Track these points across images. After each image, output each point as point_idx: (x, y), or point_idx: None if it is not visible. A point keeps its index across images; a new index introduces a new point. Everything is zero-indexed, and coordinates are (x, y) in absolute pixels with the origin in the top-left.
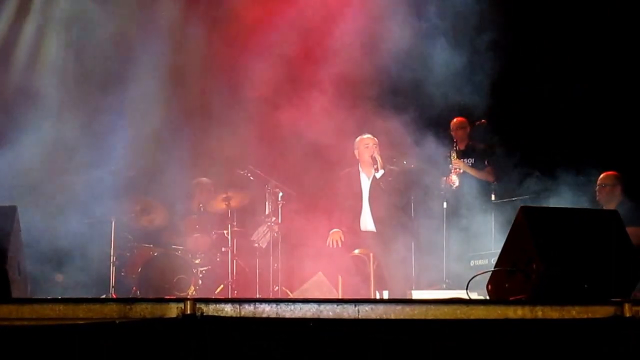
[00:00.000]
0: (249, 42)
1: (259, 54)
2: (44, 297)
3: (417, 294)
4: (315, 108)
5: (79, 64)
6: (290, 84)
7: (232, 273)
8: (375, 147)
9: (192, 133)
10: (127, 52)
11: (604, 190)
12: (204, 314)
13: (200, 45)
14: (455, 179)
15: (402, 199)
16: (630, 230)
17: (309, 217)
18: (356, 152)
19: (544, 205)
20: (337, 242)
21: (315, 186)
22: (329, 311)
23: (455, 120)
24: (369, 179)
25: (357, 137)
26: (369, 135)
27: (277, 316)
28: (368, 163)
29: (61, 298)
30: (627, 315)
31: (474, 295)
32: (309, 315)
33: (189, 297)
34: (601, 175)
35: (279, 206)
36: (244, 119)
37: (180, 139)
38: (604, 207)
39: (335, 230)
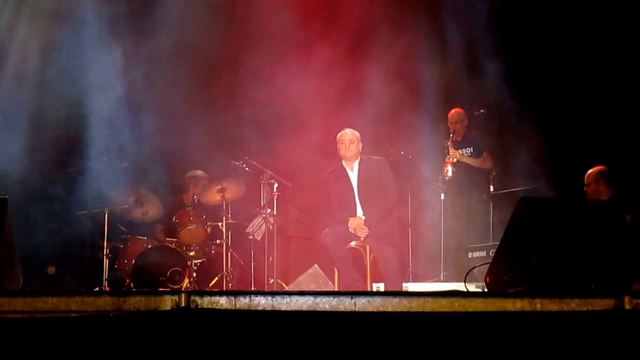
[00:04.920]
0: (248, 31)
1: (257, 43)
2: (37, 290)
3: (414, 287)
4: (314, 100)
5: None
6: (287, 73)
7: (226, 265)
8: (352, 143)
9: (187, 123)
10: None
11: (589, 189)
12: (199, 307)
13: (195, 33)
14: (449, 169)
15: (392, 189)
16: None
17: (305, 209)
18: (338, 147)
19: (544, 196)
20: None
21: (310, 180)
22: (325, 304)
23: (453, 111)
24: (353, 172)
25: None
26: (346, 131)
27: (273, 309)
28: (348, 158)
29: (54, 290)
30: (627, 307)
31: (472, 288)
32: (305, 308)
33: (183, 289)
34: (586, 173)
35: (275, 197)
36: (240, 109)
37: (175, 129)
38: None
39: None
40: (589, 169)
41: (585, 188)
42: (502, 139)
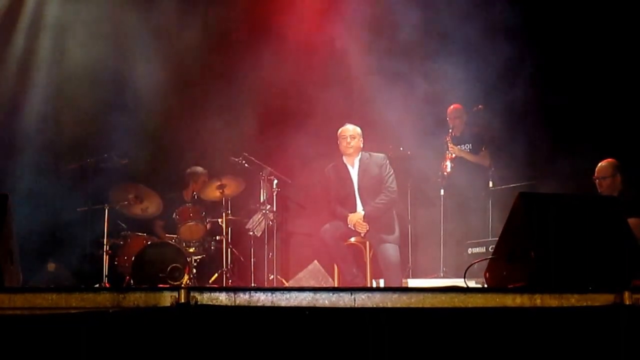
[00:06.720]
0: (247, 28)
1: (256, 39)
2: (37, 286)
3: (414, 283)
4: (313, 96)
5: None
6: (286, 69)
7: (226, 262)
8: (353, 138)
9: (187, 120)
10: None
11: (605, 183)
12: (198, 303)
13: (196, 32)
14: (448, 165)
15: (392, 185)
16: (631, 221)
17: (305, 205)
18: (339, 143)
19: (543, 191)
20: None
21: (309, 176)
22: (324, 300)
23: (452, 107)
24: (354, 168)
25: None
26: (348, 126)
27: (273, 305)
28: (349, 154)
29: (54, 287)
30: (627, 303)
31: (472, 284)
32: (304, 304)
33: (183, 285)
34: (599, 166)
35: (274, 194)
36: (240, 106)
37: (175, 126)
38: None
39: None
40: (588, 165)
41: (598, 181)
42: (501, 134)
